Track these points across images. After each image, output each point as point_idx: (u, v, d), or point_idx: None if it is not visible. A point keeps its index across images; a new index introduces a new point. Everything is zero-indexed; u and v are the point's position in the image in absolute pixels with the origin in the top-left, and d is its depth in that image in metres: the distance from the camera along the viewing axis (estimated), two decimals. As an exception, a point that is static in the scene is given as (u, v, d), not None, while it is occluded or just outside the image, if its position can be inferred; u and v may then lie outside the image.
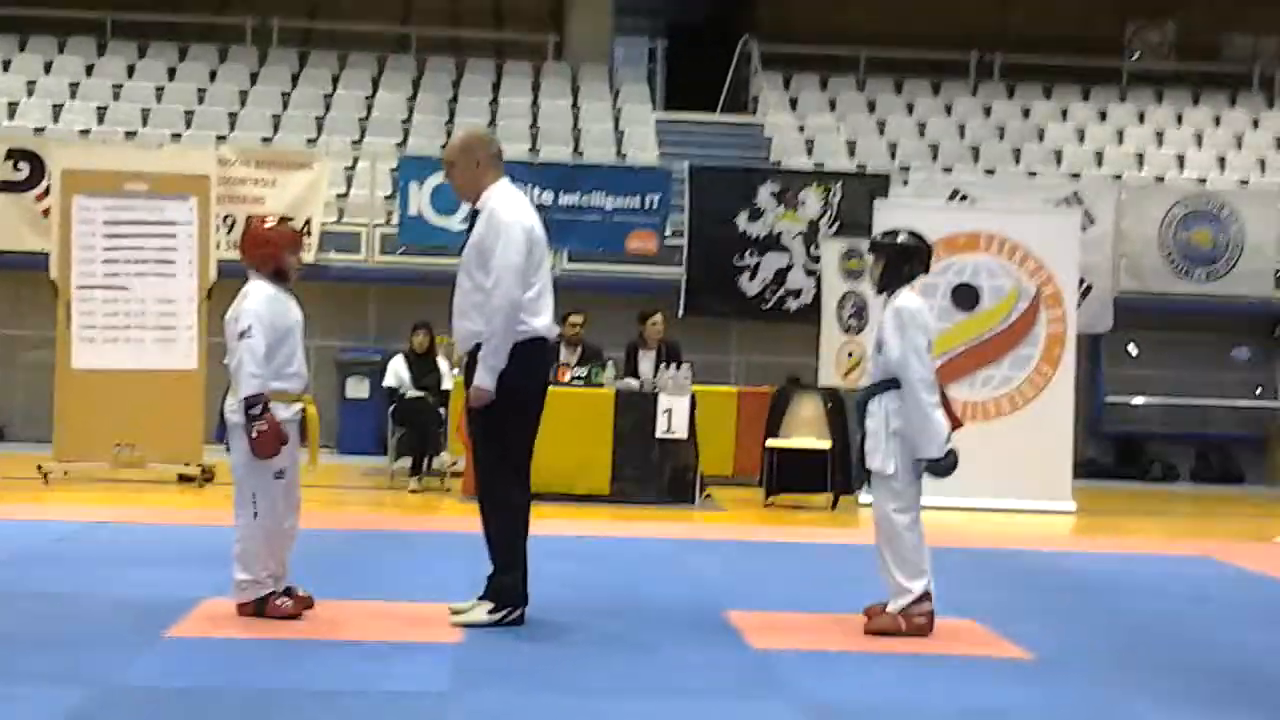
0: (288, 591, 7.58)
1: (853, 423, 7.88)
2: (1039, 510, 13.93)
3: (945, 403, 7.81)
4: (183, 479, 13.63)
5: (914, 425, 7.54)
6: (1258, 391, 19.53)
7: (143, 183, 13.90)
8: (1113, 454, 19.22)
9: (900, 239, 7.93)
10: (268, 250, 7.63)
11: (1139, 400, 19.34)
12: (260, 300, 7.48)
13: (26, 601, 7.85)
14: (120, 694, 6.03)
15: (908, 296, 7.76)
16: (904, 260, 7.85)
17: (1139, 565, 11.03)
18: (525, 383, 7.46)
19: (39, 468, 13.56)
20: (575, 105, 22.41)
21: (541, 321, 7.50)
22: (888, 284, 7.86)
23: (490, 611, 7.46)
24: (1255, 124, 23.00)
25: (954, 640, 7.58)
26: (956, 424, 7.91)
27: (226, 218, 17.07)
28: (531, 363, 7.49)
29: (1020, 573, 10.26)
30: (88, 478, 13.57)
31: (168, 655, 6.74)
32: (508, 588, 7.49)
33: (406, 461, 14.24)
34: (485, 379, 7.35)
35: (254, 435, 7.30)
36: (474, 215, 7.64)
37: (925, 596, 7.67)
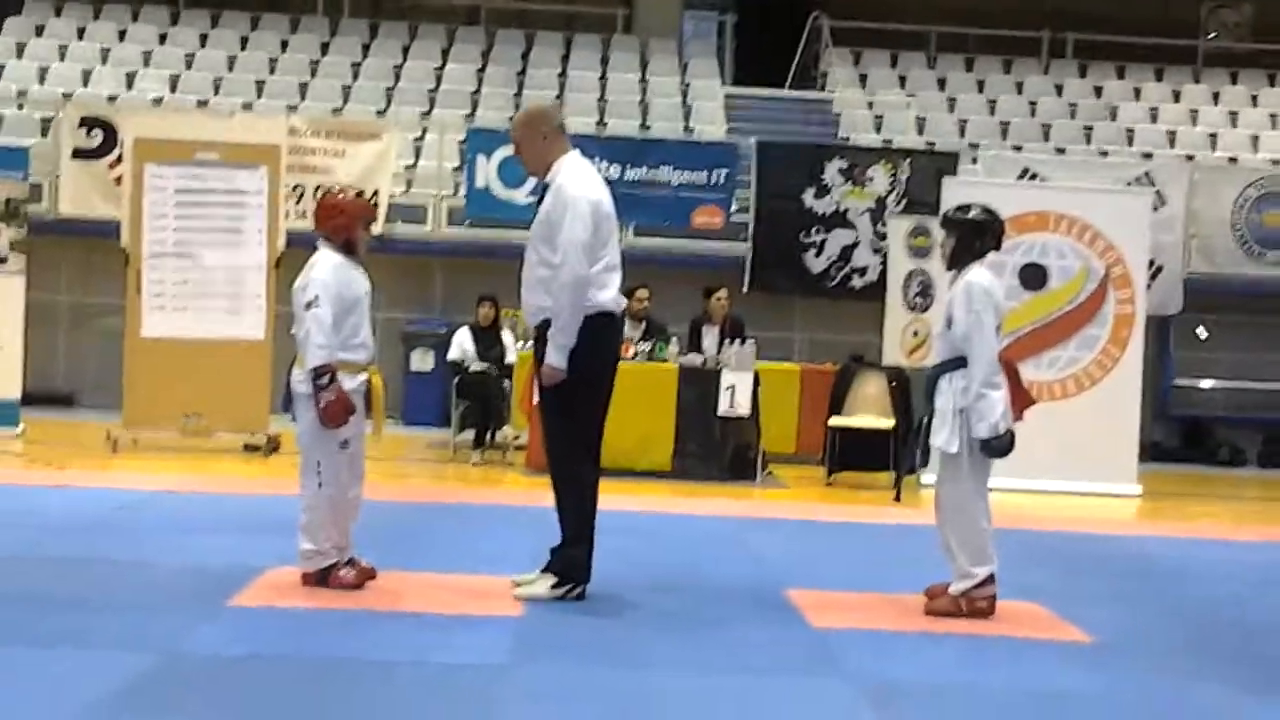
0: (351, 562, 7.65)
1: (917, 401, 7.84)
2: (1104, 493, 13.81)
3: (1016, 381, 7.76)
4: (249, 448, 13.73)
5: (969, 403, 7.51)
6: (1329, 377, 19.29)
7: (214, 152, 13.98)
8: (1179, 437, 19.03)
9: (973, 214, 7.87)
10: (341, 221, 7.67)
11: (1207, 383, 19.10)
12: (328, 270, 7.52)
13: (94, 568, 7.96)
14: (184, 660, 6.12)
15: (979, 273, 7.70)
16: (976, 235, 7.79)
17: (1204, 550, 10.92)
18: (593, 359, 7.46)
19: (108, 435, 13.71)
20: (644, 79, 22.35)
21: (607, 295, 7.49)
22: (959, 259, 7.80)
23: (553, 586, 7.49)
24: (1333, 105, 22.69)
25: (1015, 622, 7.55)
26: (1029, 402, 7.87)
27: (296, 187, 17.15)
28: (599, 338, 7.48)
29: (1084, 556, 10.18)
30: (156, 446, 13.68)
31: (231, 623, 6.81)
32: (573, 561, 7.51)
33: (470, 434, 14.29)
34: (556, 358, 7.36)
35: (322, 406, 7.36)
36: (543, 189, 7.65)
37: (989, 580, 7.63)
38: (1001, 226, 7.92)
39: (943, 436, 7.61)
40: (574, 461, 7.56)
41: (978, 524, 7.60)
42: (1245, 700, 6.27)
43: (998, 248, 7.91)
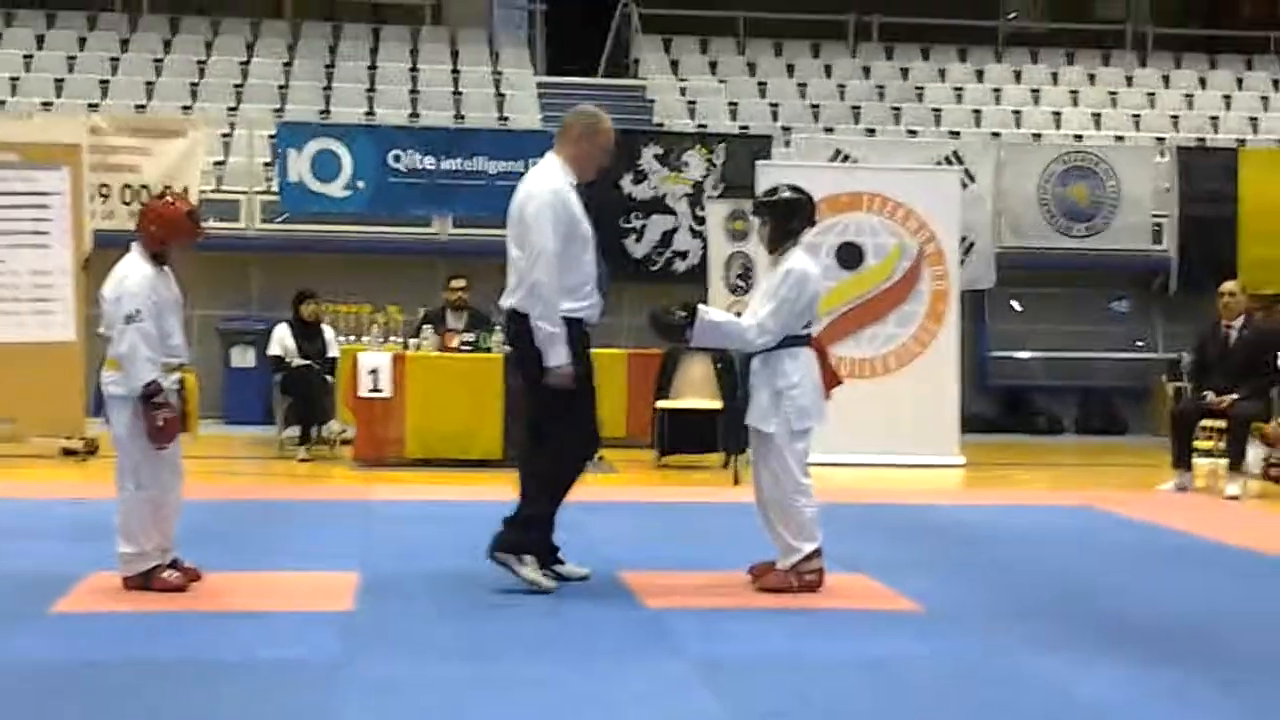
0: (174, 564, 7.48)
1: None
2: (927, 465, 14.05)
3: (824, 361, 7.81)
4: (66, 452, 13.40)
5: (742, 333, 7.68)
6: (1138, 343, 19.87)
7: (14, 153, 13.62)
8: (999, 407, 19.45)
9: (783, 195, 7.92)
10: (158, 232, 7.42)
11: (1023, 354, 19.58)
12: (140, 280, 7.32)
13: (-96, 581, 7.67)
14: (4, 670, 5.91)
15: (800, 258, 7.73)
16: (790, 216, 7.83)
17: (1025, 516, 11.16)
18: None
19: (-83, 444, 13.29)
20: (455, 70, 22.22)
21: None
22: (778, 241, 7.84)
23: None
24: (1129, 81, 23.38)
25: (844, 595, 7.62)
26: (836, 381, 7.94)
27: (102, 187, 16.75)
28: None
29: (909, 526, 10.33)
30: (-33, 454, 13.30)
31: (53, 630, 6.62)
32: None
33: (294, 431, 14.08)
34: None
35: (159, 424, 7.17)
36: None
37: (816, 554, 7.69)
38: (812, 204, 7.96)
39: (758, 417, 7.65)
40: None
41: (797, 501, 7.64)
42: (1069, 660, 6.38)
43: (812, 224, 7.96)
